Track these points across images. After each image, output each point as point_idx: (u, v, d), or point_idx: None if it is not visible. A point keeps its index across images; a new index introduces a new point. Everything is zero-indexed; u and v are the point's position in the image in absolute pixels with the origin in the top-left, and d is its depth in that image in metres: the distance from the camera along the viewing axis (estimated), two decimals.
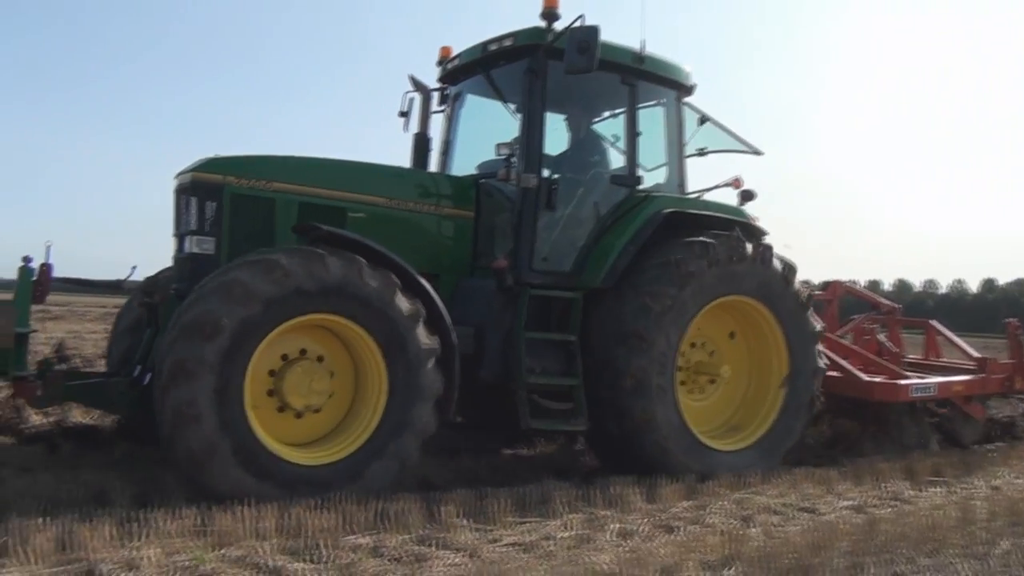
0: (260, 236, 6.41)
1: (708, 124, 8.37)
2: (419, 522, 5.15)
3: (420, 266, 6.92)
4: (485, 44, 7.55)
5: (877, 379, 8.39)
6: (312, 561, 4.40)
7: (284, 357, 5.83)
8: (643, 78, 7.52)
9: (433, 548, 4.73)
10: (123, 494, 5.39)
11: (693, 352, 7.49)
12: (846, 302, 10.34)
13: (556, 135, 7.96)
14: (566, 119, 8.03)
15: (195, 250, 6.32)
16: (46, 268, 6.19)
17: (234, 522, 4.77)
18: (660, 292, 6.84)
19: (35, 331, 6.26)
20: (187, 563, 4.20)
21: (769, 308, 7.46)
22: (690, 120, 8.26)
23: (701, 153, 8.69)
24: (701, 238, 7.12)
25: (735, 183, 7.90)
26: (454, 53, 8.17)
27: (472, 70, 7.85)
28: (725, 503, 6.09)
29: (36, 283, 6.12)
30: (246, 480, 5.36)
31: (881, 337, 9.74)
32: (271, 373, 5.79)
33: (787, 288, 7.51)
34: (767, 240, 7.79)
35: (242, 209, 6.40)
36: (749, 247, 7.26)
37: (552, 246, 7.23)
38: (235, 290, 5.39)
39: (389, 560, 4.50)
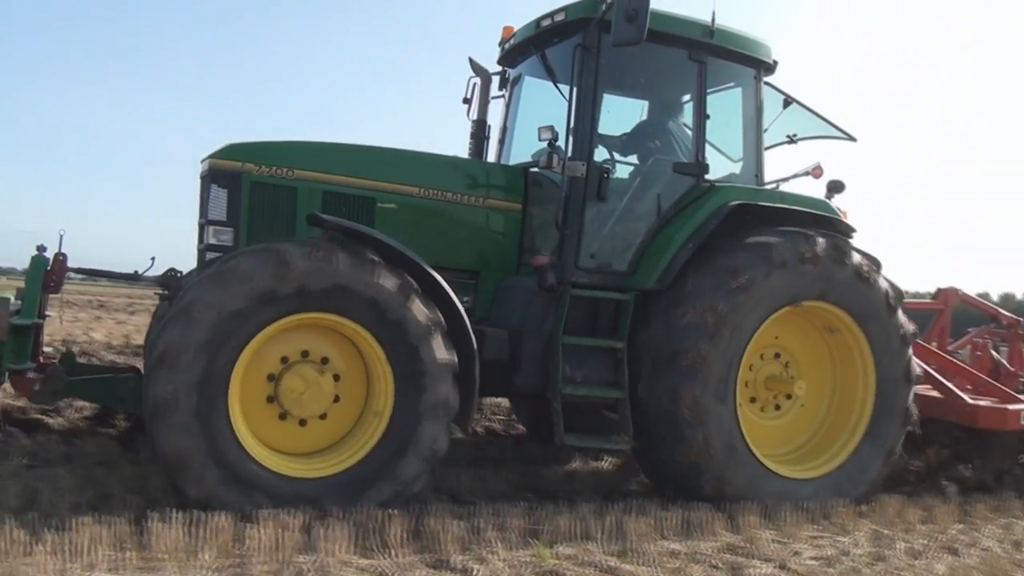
0: (281, 227, 6.01)
1: (794, 107, 7.44)
2: (724, 530, 5.51)
3: (458, 263, 6.45)
4: (539, 20, 6.87)
5: (983, 402, 7.29)
6: (640, 563, 4.71)
7: (284, 360, 5.37)
8: (714, 54, 6.67)
9: (742, 557, 5.02)
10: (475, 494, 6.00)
11: (764, 365, 6.62)
12: (959, 313, 9.11)
13: (622, 120, 7.25)
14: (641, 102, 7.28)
15: (213, 241, 5.98)
16: (60, 258, 5.90)
17: (564, 522, 5.20)
18: (713, 305, 6.01)
19: (46, 318, 5.98)
20: (529, 559, 4.61)
21: (851, 314, 6.52)
22: (773, 103, 7.37)
23: (791, 140, 7.79)
24: (763, 238, 6.25)
25: (815, 172, 6.97)
26: (515, 32, 7.52)
27: (527, 49, 7.17)
28: (993, 527, 6.20)
29: (50, 273, 5.84)
30: (222, 488, 4.97)
31: (996, 354, 8.53)
32: (270, 378, 5.34)
33: (868, 288, 6.51)
34: (855, 238, 6.84)
35: (262, 198, 6.02)
36: (824, 245, 6.33)
37: (603, 242, 6.51)
38: (229, 281, 5.00)
39: (709, 567, 4.81)
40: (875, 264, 6.57)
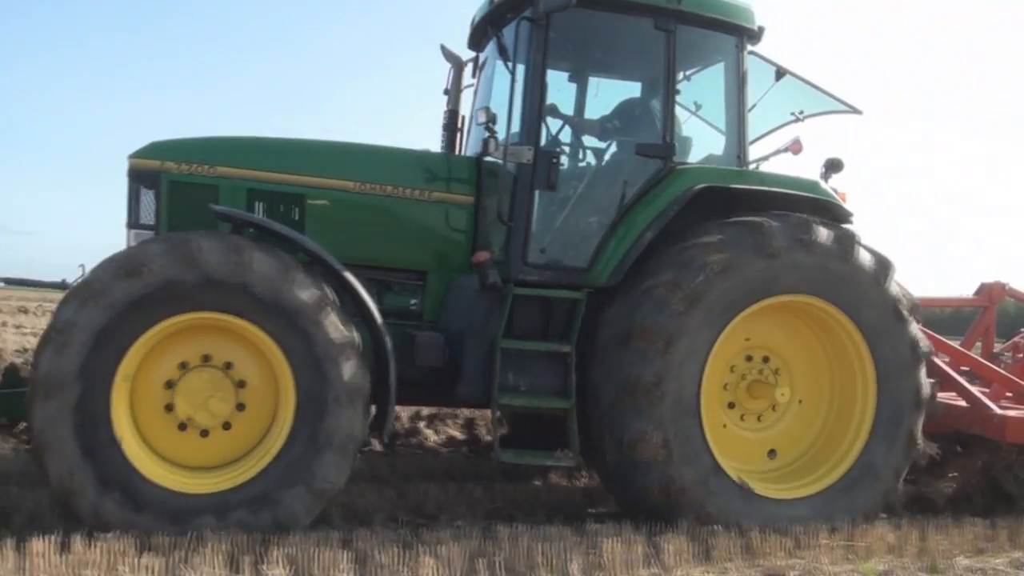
0: (202, 228, 5.57)
1: (789, 80, 6.63)
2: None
3: (402, 262, 5.97)
4: None
5: (1013, 412, 6.30)
6: None
7: (183, 365, 4.94)
8: (684, 22, 5.93)
9: None
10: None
11: (748, 367, 5.85)
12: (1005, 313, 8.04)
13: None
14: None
15: (135, 244, 5.58)
16: None
17: (874, 538, 5.25)
18: (683, 282, 5.28)
19: None
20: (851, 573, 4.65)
21: (851, 316, 5.68)
22: (767, 76, 6.60)
23: (798, 118, 6.99)
24: (753, 217, 5.51)
25: (793, 147, 6.17)
26: None
27: (486, 30, 6.60)
28: None
29: None
30: (114, 510, 4.58)
31: None
32: (168, 385, 4.92)
33: (878, 291, 5.69)
34: (852, 225, 6.00)
35: (182, 198, 5.64)
36: (822, 233, 5.53)
37: (556, 235, 5.87)
38: (90, 291, 4.60)
39: None
40: (885, 265, 5.73)
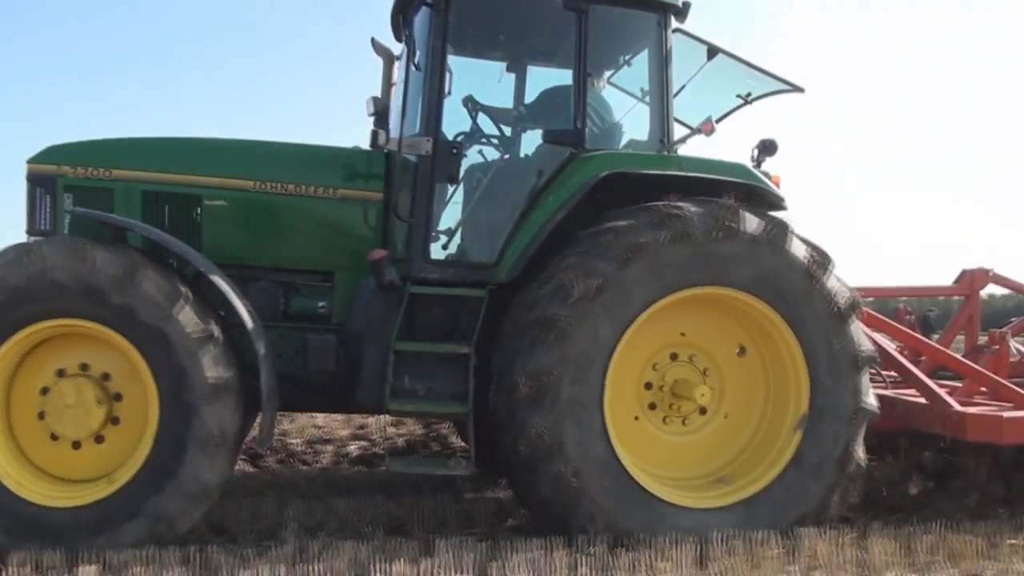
0: (100, 234, 5.42)
1: (722, 58, 6.21)
2: None
3: (307, 263, 5.71)
4: None
5: (973, 410, 5.73)
6: None
7: (61, 372, 4.81)
8: (598, 0, 5.57)
9: None
10: None
11: (673, 367, 5.43)
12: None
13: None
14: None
15: None
16: None
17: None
18: (587, 268, 4.89)
19: None
20: None
21: (781, 314, 5.23)
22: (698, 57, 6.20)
23: (746, 101, 6.58)
24: (672, 201, 5.09)
25: (705, 127, 5.74)
26: None
27: (398, 19, 6.31)
28: None
29: None
30: None
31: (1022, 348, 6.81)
32: (44, 391, 4.79)
33: (813, 286, 5.22)
34: (785, 214, 5.54)
35: (79, 203, 5.46)
36: (749, 220, 5.11)
37: (461, 230, 5.55)
38: None
39: None
40: (822, 258, 5.27)
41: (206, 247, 5.49)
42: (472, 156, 6.07)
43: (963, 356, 6.75)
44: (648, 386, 5.39)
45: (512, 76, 6.53)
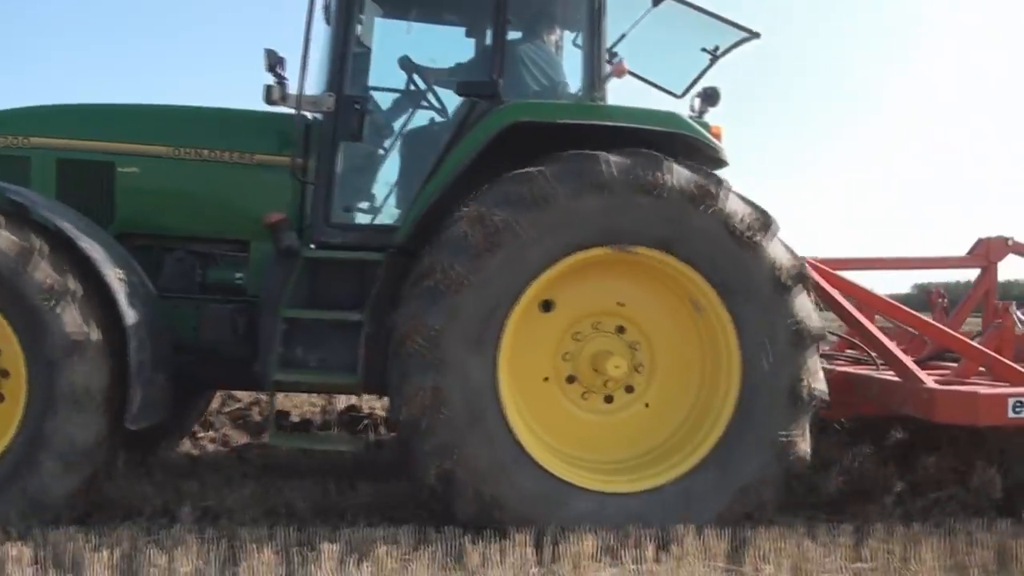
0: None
1: (673, 7, 5.68)
2: None
3: (223, 232, 5.48)
4: None
5: (944, 387, 4.96)
6: None
7: None
8: None
9: None
10: None
11: (594, 337, 4.92)
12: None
13: None
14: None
15: None
16: None
17: None
18: (483, 218, 4.43)
19: None
20: None
21: (711, 281, 4.68)
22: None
23: (712, 56, 6.03)
24: (588, 152, 4.57)
25: (616, 70, 5.19)
26: None
27: None
28: None
29: None
30: None
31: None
32: None
33: (749, 253, 4.64)
34: (720, 170, 4.96)
35: None
36: (678, 174, 4.57)
37: (367, 191, 5.22)
38: None
39: None
40: (763, 222, 4.68)
41: (120, 216, 5.35)
42: (408, 120, 5.71)
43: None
44: (567, 357, 4.90)
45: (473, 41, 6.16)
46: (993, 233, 6.41)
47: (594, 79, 5.23)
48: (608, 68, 5.22)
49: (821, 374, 4.76)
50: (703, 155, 4.98)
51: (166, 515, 4.75)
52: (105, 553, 3.85)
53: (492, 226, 4.40)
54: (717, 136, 5.09)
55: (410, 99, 5.63)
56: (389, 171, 5.32)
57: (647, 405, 4.93)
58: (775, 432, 4.61)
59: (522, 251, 4.47)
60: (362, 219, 5.16)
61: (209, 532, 4.23)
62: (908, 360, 5.17)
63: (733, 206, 4.64)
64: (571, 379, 4.90)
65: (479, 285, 4.41)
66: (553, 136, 4.69)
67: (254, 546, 3.98)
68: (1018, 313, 5.63)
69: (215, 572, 3.84)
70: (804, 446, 4.68)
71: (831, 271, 5.89)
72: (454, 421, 4.37)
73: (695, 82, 6.16)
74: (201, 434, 6.85)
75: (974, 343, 5.46)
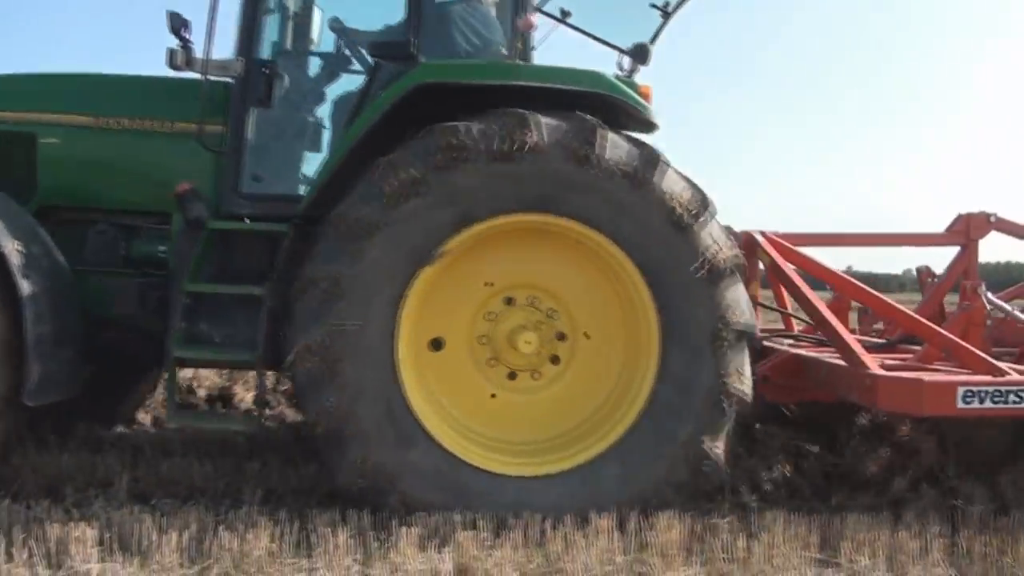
0: None
1: None
2: None
3: (146, 204, 5.31)
4: None
5: (888, 372, 4.54)
6: None
7: None
8: None
9: None
10: None
11: (508, 313, 4.64)
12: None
13: None
14: None
15: None
16: None
17: None
18: (398, 167, 4.17)
19: None
20: None
21: (636, 262, 4.38)
22: None
23: (666, 11, 5.71)
24: (463, 122, 4.27)
25: (523, 24, 4.84)
26: None
27: None
28: None
29: None
30: None
31: (1013, 311, 5.34)
32: None
33: (680, 236, 4.32)
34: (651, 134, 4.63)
35: None
36: (612, 144, 4.26)
37: (277, 160, 4.99)
38: None
39: None
40: (700, 203, 4.35)
41: (42, 188, 5.20)
42: (327, 85, 5.46)
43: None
44: (490, 317, 4.67)
45: None
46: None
47: (513, 38, 4.91)
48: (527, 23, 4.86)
49: (747, 375, 4.45)
50: (631, 118, 4.65)
51: (228, 496, 4.61)
52: (173, 535, 3.69)
53: (405, 178, 4.15)
54: (646, 97, 4.74)
55: (334, 63, 5.37)
56: (300, 139, 5.06)
57: (578, 373, 4.67)
58: (685, 433, 4.30)
59: (432, 210, 4.22)
60: (271, 189, 4.92)
61: (281, 514, 4.00)
62: (854, 342, 4.77)
63: (669, 184, 4.32)
64: (494, 361, 4.67)
65: (384, 239, 4.18)
66: (476, 101, 4.39)
67: (328, 530, 3.81)
68: (989, 295, 5.16)
69: (289, 555, 3.68)
70: (717, 451, 4.36)
71: (790, 247, 5.51)
72: (346, 388, 4.17)
73: (653, 41, 5.80)
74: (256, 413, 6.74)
75: (937, 327, 5.02)
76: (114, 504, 4.18)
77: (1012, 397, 4.35)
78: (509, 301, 4.63)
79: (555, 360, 4.65)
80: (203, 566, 3.56)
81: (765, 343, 5.84)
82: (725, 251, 4.36)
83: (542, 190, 4.26)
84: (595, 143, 4.20)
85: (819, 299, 5.09)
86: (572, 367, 4.67)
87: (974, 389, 4.32)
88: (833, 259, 7.12)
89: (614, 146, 4.25)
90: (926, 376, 4.41)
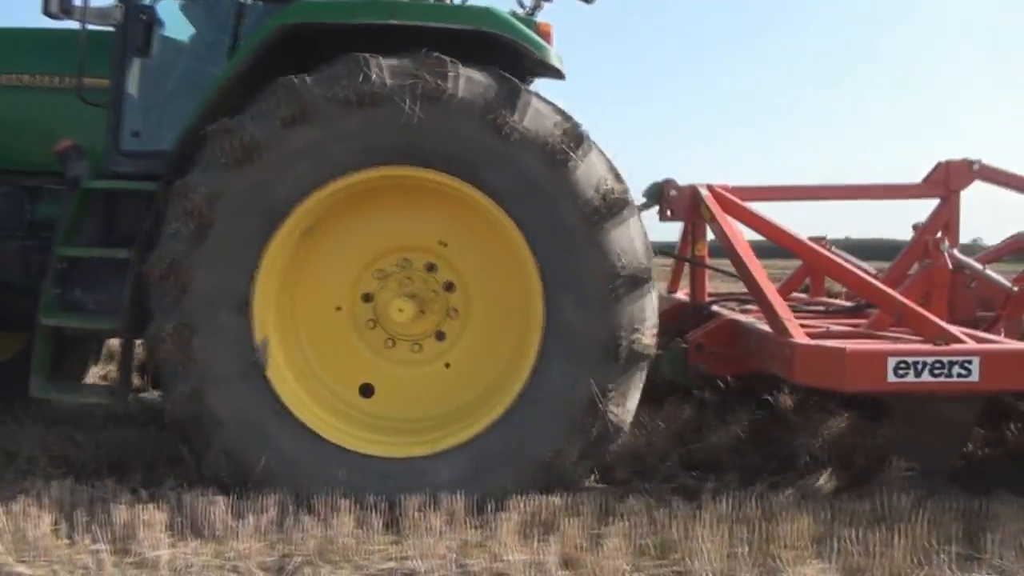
0: None
1: None
2: None
3: (48, 164, 5.01)
4: None
5: (808, 341, 3.98)
6: None
7: None
8: None
9: None
10: None
11: (403, 275, 4.27)
12: None
13: None
14: None
15: None
16: None
17: None
18: (235, 130, 3.86)
19: None
20: None
21: (508, 210, 3.94)
22: None
23: None
24: (345, 55, 3.91)
25: None
26: None
27: None
28: None
29: None
30: None
31: (984, 270, 4.67)
32: None
33: (553, 175, 3.86)
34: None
35: None
36: (466, 81, 3.84)
37: (158, 113, 4.65)
38: None
39: None
40: (575, 138, 3.89)
41: None
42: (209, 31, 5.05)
43: None
44: (368, 298, 4.29)
45: None
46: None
47: None
48: None
49: (650, 326, 3.95)
50: (525, 59, 4.19)
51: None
52: (251, 519, 3.47)
53: (245, 142, 3.82)
54: (546, 36, 4.26)
55: (216, 7, 4.98)
56: (181, 91, 4.69)
57: (467, 345, 4.30)
58: (580, 394, 3.85)
59: (282, 170, 3.87)
60: (151, 145, 4.59)
61: (367, 497, 3.70)
62: (780, 305, 4.22)
63: (535, 118, 3.87)
64: (373, 323, 4.31)
65: (230, 210, 3.87)
66: (361, 47, 3.98)
67: (419, 514, 3.56)
68: (955, 252, 4.54)
69: (377, 542, 3.40)
70: (621, 413, 3.90)
71: (737, 201, 4.97)
72: (205, 376, 3.90)
73: None
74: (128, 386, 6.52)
75: (888, 289, 4.43)
76: (185, 484, 3.89)
77: (957, 369, 3.78)
78: (405, 263, 4.27)
79: (441, 336, 4.28)
80: (283, 553, 3.30)
81: (714, 308, 5.37)
82: (608, 186, 3.89)
83: (395, 140, 3.85)
84: (447, 80, 3.76)
85: (753, 257, 4.52)
86: (462, 339, 4.29)
87: (908, 360, 3.77)
88: (831, 229, 6.47)
89: (469, 82, 3.82)
90: (850, 344, 3.85)
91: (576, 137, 3.88)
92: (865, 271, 5.34)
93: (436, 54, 3.86)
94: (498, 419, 3.95)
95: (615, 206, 3.88)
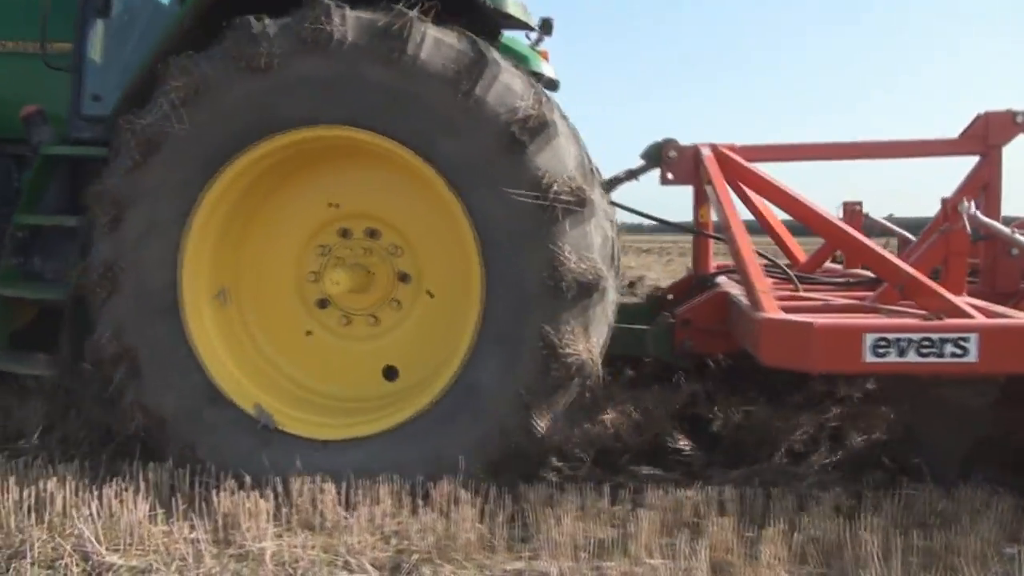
0: None
1: None
2: None
3: (11, 130, 5.00)
4: None
5: (777, 316, 3.49)
6: None
7: None
8: None
9: None
10: None
11: (345, 247, 4.06)
12: None
13: None
14: None
15: None
16: None
17: None
18: (136, 121, 3.71)
19: None
20: None
21: (427, 158, 3.58)
22: None
23: None
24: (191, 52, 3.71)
25: None
26: None
27: None
28: None
29: None
30: None
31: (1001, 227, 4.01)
32: None
33: (456, 100, 3.47)
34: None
35: None
36: (350, 22, 3.51)
37: (121, 78, 4.49)
38: None
39: None
40: (476, 59, 3.52)
41: None
42: None
43: None
44: (314, 277, 4.12)
45: None
46: None
47: None
48: None
49: (599, 254, 3.56)
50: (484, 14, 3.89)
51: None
52: (363, 511, 3.26)
53: (142, 133, 3.69)
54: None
55: None
56: (141, 52, 4.53)
57: (418, 317, 4.08)
58: (501, 402, 3.54)
59: (189, 154, 3.70)
60: (111, 109, 4.46)
61: (490, 489, 3.41)
62: (758, 277, 3.75)
63: (429, 49, 3.48)
64: (324, 303, 4.17)
65: (141, 207, 3.74)
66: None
67: (547, 510, 3.31)
68: (979, 214, 3.96)
69: (501, 541, 3.15)
70: (582, 350, 3.51)
71: (741, 161, 4.50)
72: (143, 371, 3.77)
73: None
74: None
75: (891, 257, 3.90)
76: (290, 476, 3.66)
77: (950, 348, 3.26)
78: (345, 233, 4.05)
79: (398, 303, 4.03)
80: (398, 549, 3.09)
81: (718, 280, 4.93)
82: (518, 103, 3.47)
83: (299, 102, 3.58)
84: (331, 27, 3.45)
85: (741, 224, 4.06)
86: (415, 308, 4.04)
87: (890, 337, 3.26)
88: (873, 207, 5.85)
89: (356, 29, 3.49)
90: (820, 319, 3.36)
91: (478, 61, 3.49)
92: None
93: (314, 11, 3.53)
94: (417, 414, 3.65)
95: (536, 128, 3.48)
